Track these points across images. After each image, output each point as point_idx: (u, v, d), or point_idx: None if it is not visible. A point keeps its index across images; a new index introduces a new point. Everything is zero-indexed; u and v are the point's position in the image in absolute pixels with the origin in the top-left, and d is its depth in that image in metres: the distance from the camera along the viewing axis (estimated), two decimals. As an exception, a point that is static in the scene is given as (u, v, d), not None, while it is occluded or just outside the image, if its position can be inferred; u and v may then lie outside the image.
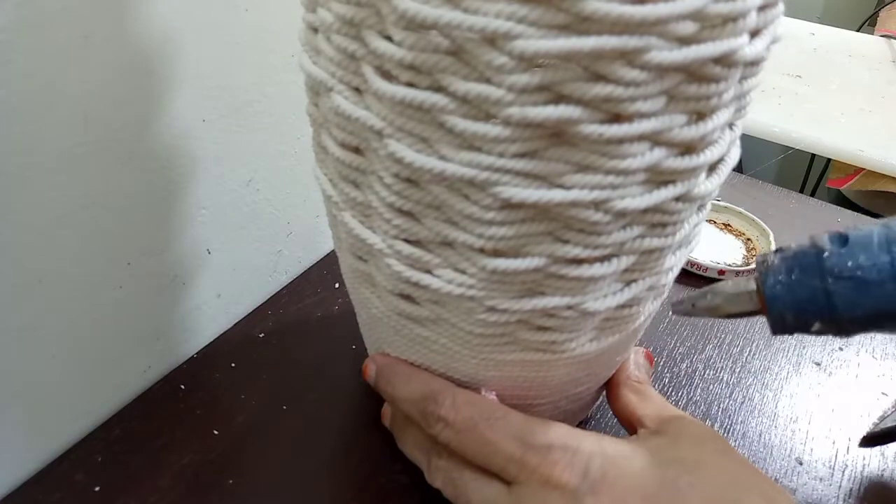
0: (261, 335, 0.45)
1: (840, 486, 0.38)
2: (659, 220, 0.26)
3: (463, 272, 0.27)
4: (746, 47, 0.23)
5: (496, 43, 0.21)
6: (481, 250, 0.26)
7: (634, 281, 0.28)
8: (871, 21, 1.27)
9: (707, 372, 0.45)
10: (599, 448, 0.28)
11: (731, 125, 0.27)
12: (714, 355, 0.46)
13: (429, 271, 0.27)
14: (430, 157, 0.24)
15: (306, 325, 0.46)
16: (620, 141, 0.23)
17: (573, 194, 0.23)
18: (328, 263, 0.52)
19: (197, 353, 0.43)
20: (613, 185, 0.24)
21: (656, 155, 0.23)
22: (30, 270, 0.32)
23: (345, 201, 0.29)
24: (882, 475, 0.39)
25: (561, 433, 0.29)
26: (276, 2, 0.40)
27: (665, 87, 0.22)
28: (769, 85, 0.89)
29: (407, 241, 0.27)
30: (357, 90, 0.26)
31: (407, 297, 0.29)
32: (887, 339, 0.49)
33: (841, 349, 0.48)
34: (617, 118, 0.22)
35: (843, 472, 0.39)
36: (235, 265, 0.45)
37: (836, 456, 0.40)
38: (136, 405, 0.40)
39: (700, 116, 0.24)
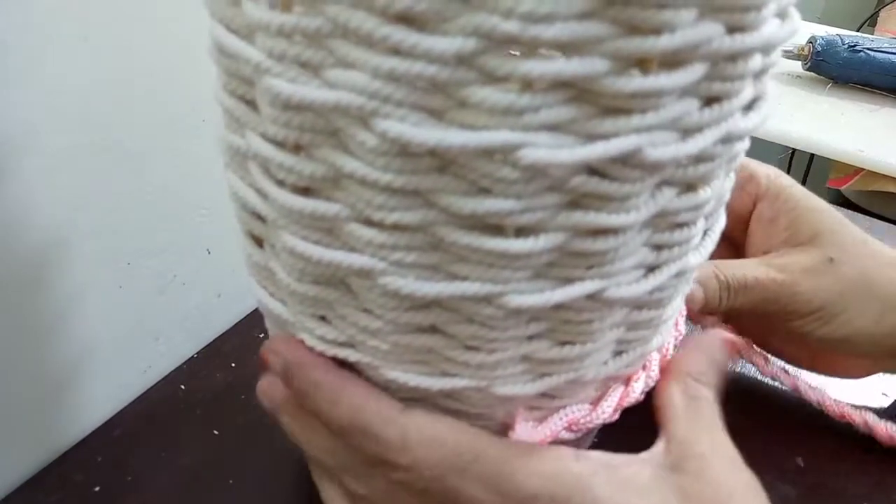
0: (261, 335, 0.45)
1: (840, 486, 0.38)
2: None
3: None
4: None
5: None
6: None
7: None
8: (871, 21, 1.27)
9: (707, 372, 0.45)
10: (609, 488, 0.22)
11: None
12: (714, 355, 0.46)
13: None
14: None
15: (306, 325, 0.46)
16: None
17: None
18: (328, 263, 0.52)
19: (197, 353, 0.43)
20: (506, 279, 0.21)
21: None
22: (30, 270, 0.32)
23: None
24: (882, 475, 0.39)
25: (552, 470, 0.22)
26: (276, 2, 0.40)
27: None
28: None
29: None
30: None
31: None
32: (887, 339, 0.49)
33: (841, 349, 0.47)
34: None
35: (843, 472, 0.39)
36: (235, 265, 0.45)
37: (836, 456, 0.39)
38: (136, 405, 0.40)
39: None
